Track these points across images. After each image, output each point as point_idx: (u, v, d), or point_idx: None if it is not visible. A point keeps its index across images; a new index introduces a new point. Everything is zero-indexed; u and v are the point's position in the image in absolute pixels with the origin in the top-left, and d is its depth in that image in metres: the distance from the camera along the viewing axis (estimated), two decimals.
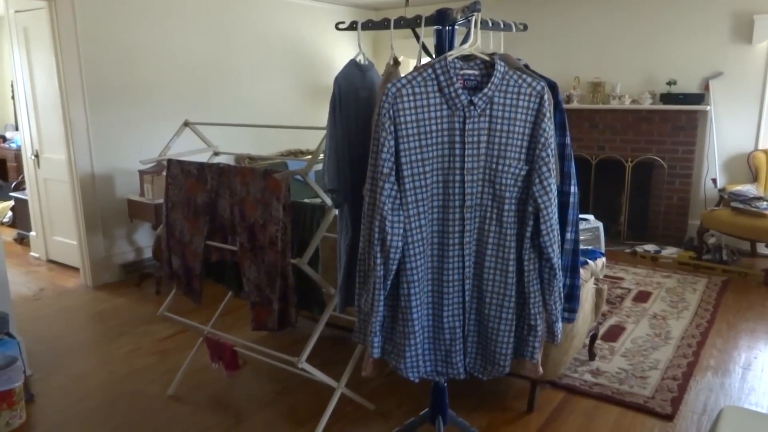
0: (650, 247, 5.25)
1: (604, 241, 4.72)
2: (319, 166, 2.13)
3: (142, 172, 4.39)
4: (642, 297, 4.13)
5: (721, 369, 3.08)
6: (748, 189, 4.75)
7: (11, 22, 4.65)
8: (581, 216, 4.64)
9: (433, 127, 1.69)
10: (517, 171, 1.72)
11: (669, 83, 5.33)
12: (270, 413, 2.70)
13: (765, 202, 4.56)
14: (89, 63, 4.26)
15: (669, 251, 5.14)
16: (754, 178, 4.98)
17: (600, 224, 4.69)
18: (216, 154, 2.94)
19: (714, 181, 5.33)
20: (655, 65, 5.49)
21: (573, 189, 1.85)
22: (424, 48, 1.96)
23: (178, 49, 4.87)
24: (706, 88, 5.25)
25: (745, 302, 4.04)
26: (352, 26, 2.03)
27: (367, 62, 2.06)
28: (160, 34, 4.71)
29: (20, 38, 4.61)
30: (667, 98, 5.32)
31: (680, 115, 5.29)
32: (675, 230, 5.49)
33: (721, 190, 5.01)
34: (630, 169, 5.57)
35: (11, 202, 6.04)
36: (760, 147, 5.12)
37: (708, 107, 5.20)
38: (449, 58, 1.68)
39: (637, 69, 5.59)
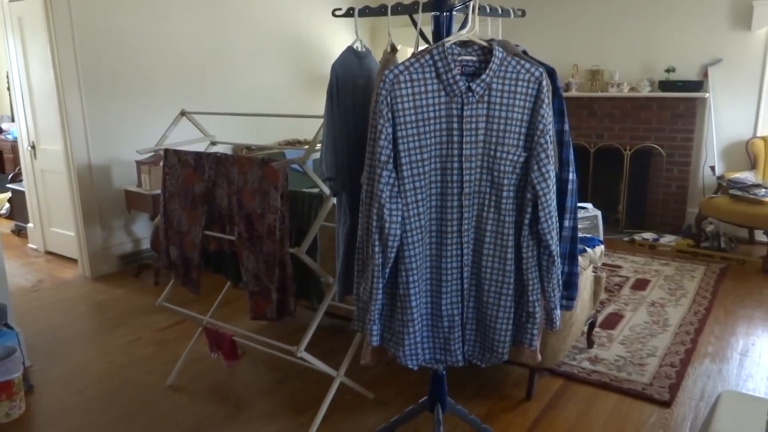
0: (648, 235, 5.25)
1: (602, 230, 4.72)
2: (317, 155, 2.12)
3: (139, 163, 4.37)
4: (640, 285, 4.14)
5: (719, 356, 3.09)
6: (747, 176, 4.75)
7: (5, 12, 4.61)
8: (579, 204, 4.64)
9: (431, 114, 1.68)
10: (516, 158, 1.71)
11: (668, 70, 5.31)
12: (269, 402, 2.70)
13: (763, 190, 4.56)
14: (85, 53, 4.23)
15: (667, 239, 5.15)
16: (753, 166, 4.98)
17: (598, 212, 4.68)
18: (213, 143, 2.93)
19: (712, 168, 5.33)
20: (654, 52, 5.47)
21: (571, 176, 1.84)
22: (422, 34, 1.95)
23: (175, 38, 4.83)
24: (705, 75, 5.23)
25: (742, 289, 4.05)
26: (349, 13, 2.01)
27: (364, 49, 2.05)
28: (156, 23, 4.68)
29: (15, 28, 4.58)
30: (665, 86, 5.30)
31: (679, 103, 5.27)
32: (673, 218, 5.49)
33: (720, 178, 5.01)
34: (628, 157, 5.56)
35: (8, 194, 6.03)
36: (759, 134, 5.11)
37: (707, 94, 5.19)
38: (447, 44, 1.67)
39: (635, 56, 5.57)
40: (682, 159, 5.37)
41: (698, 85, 5.18)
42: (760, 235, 5.10)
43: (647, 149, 5.49)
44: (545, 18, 5.97)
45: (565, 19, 5.87)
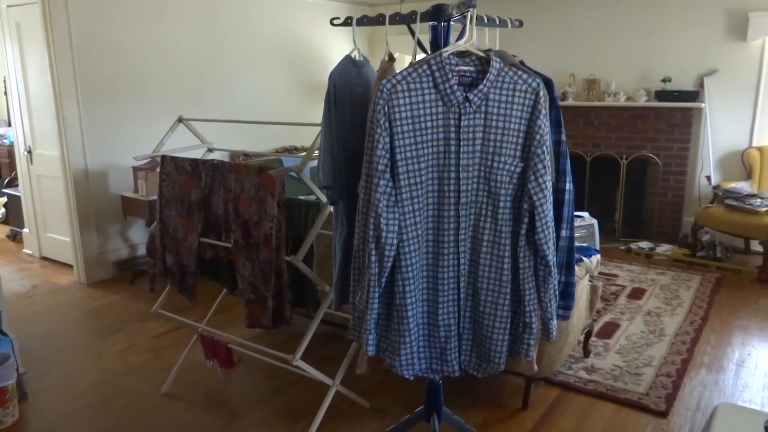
0: (645, 245, 5.26)
1: (598, 239, 4.72)
2: (314, 163, 2.12)
3: (135, 169, 4.36)
4: (636, 294, 4.14)
5: (715, 366, 3.09)
6: (742, 186, 4.76)
7: (3, 17, 4.61)
8: (576, 213, 4.65)
9: (428, 124, 1.69)
10: (513, 168, 1.72)
11: (664, 80, 5.33)
12: (265, 411, 2.69)
13: (759, 200, 4.57)
14: (82, 58, 4.23)
15: (663, 248, 5.16)
16: (748, 176, 5.00)
17: (594, 221, 4.69)
18: (210, 150, 2.92)
19: (708, 178, 5.35)
20: (650, 62, 5.50)
21: (568, 186, 1.84)
22: (420, 44, 1.95)
23: (173, 44, 4.84)
24: (701, 85, 5.25)
25: (738, 299, 4.06)
26: (347, 22, 2.02)
27: (362, 58, 2.05)
28: (154, 29, 4.68)
29: (12, 33, 4.58)
30: (662, 95, 5.32)
31: (675, 113, 5.30)
32: (669, 227, 5.50)
33: (716, 188, 5.02)
34: (625, 166, 5.58)
35: (4, 199, 6.00)
36: (755, 144, 5.13)
37: (702, 104, 5.21)
38: (445, 54, 1.68)
39: (632, 66, 5.60)
40: (678, 168, 5.39)
41: (694, 95, 5.20)
42: (755, 245, 5.10)
43: (643, 158, 5.51)
44: (542, 28, 5.99)
45: (562, 29, 5.90)
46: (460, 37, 1.88)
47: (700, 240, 4.93)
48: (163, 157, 2.58)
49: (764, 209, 4.47)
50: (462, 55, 1.73)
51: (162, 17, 4.73)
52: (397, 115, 1.66)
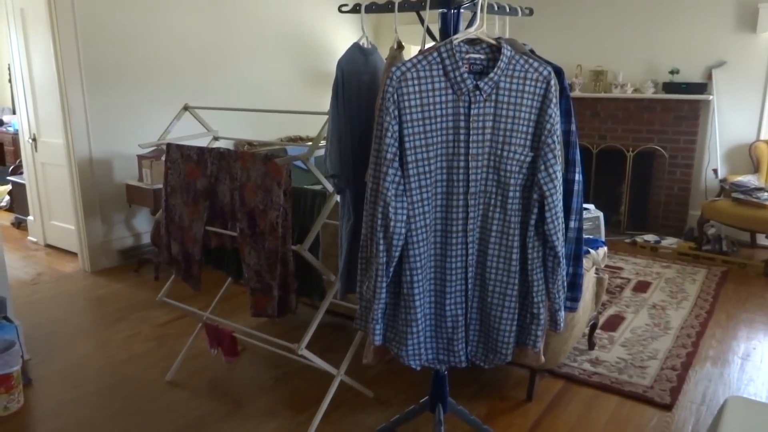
0: (650, 237, 5.24)
1: (604, 231, 4.70)
2: (321, 152, 2.11)
3: (140, 157, 4.35)
4: (641, 287, 4.13)
5: (720, 359, 3.08)
6: (749, 180, 4.73)
7: (8, 4, 4.59)
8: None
9: (438, 112, 1.67)
10: (523, 158, 1.70)
11: (672, 72, 5.29)
12: (269, 399, 2.69)
13: (766, 193, 4.54)
14: (87, 45, 4.20)
15: (669, 241, 5.14)
16: (756, 169, 4.96)
17: (600, 214, 4.67)
18: (216, 138, 2.91)
19: (715, 171, 5.31)
20: (658, 54, 5.45)
21: (577, 177, 1.82)
22: (429, 32, 1.93)
23: (178, 31, 4.81)
24: (709, 77, 5.21)
25: (744, 293, 4.04)
26: (356, 9, 1.99)
27: (370, 46, 2.03)
28: (159, 16, 4.65)
29: (17, 20, 4.55)
30: (669, 87, 5.28)
31: (682, 105, 5.26)
32: (675, 220, 5.48)
33: (722, 181, 4.99)
34: (631, 158, 5.55)
35: (9, 186, 6.01)
36: (762, 137, 5.09)
37: (710, 97, 5.17)
38: (455, 42, 1.65)
39: (639, 57, 5.55)
40: (685, 161, 5.36)
41: (702, 88, 5.16)
42: (762, 239, 5.08)
43: (650, 151, 5.48)
44: (549, 18, 5.94)
45: (569, 19, 5.85)
46: (470, 25, 1.86)
47: (706, 233, 4.91)
48: (169, 145, 2.56)
49: None
50: (472, 42, 1.71)
51: (168, 4, 4.70)
52: (407, 103, 1.64)
